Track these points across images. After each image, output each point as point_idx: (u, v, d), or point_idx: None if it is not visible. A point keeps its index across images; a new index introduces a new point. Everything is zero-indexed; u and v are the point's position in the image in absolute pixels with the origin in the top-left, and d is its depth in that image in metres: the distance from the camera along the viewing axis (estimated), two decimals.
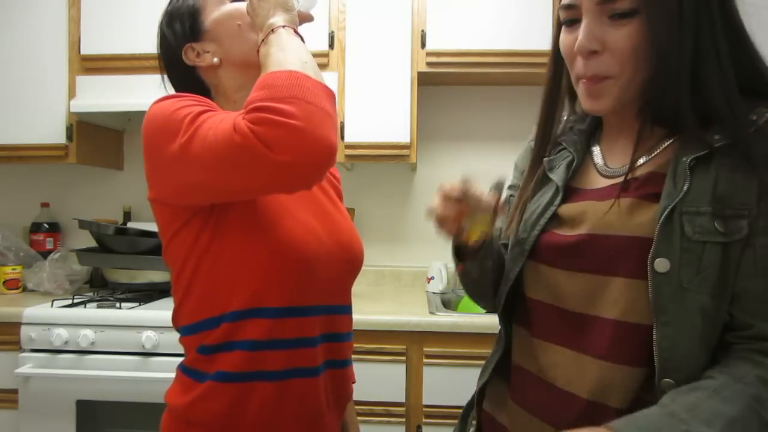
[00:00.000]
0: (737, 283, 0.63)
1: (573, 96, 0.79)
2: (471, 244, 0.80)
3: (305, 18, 0.84)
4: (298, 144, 0.63)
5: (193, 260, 0.77)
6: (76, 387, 1.69)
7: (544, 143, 0.81)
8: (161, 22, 0.89)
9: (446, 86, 2.33)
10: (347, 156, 2.02)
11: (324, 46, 2.00)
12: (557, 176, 0.78)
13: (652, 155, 0.70)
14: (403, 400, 1.70)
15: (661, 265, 0.64)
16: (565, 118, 0.83)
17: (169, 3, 0.89)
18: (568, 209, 0.75)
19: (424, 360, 1.70)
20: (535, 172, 0.81)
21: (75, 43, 2.06)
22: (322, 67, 2.01)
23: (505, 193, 0.82)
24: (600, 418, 0.64)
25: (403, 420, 1.71)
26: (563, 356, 0.72)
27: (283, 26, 0.75)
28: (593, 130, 0.81)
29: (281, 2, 0.77)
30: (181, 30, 0.86)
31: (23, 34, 2.07)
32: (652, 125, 0.70)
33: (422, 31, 2.00)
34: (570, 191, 0.76)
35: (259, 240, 0.75)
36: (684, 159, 0.65)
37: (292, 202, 0.81)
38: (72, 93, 2.06)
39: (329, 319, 0.84)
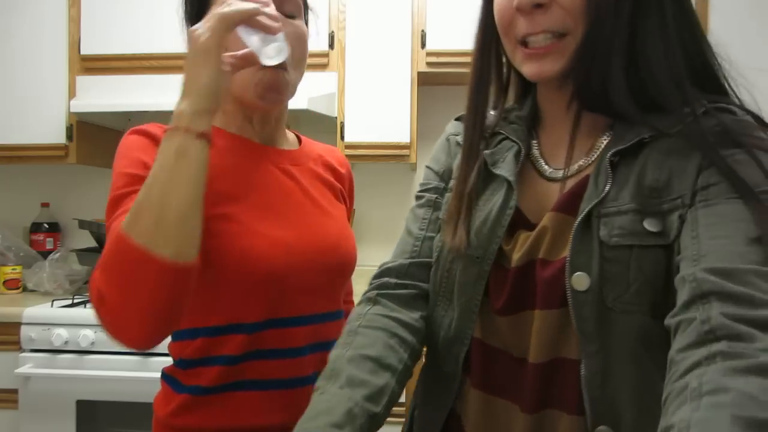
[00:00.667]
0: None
1: (501, 86, 0.68)
2: None
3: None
4: (108, 332, 0.62)
5: None
6: (76, 387, 1.69)
7: (476, 133, 0.66)
8: None
9: (446, 86, 2.33)
10: (347, 156, 2.02)
11: (324, 46, 2.00)
12: (505, 170, 0.62)
13: (593, 157, 0.58)
14: (403, 400, 1.70)
15: (579, 281, 0.52)
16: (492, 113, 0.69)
17: None
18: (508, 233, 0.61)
19: (424, 360, 1.69)
20: (471, 170, 0.65)
21: (75, 43, 2.06)
22: (322, 67, 2.01)
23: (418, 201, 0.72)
24: None
25: (403, 420, 1.71)
26: (505, 412, 0.59)
27: (186, 129, 0.61)
28: (532, 119, 0.67)
29: (204, 80, 0.63)
30: (189, 10, 0.82)
31: (23, 34, 2.07)
32: (591, 115, 0.59)
33: (422, 31, 2.00)
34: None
35: (222, 261, 0.71)
36: (607, 155, 0.54)
37: (261, 214, 0.75)
38: (72, 93, 2.06)
39: (316, 328, 0.79)
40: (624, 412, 0.50)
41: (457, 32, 1.99)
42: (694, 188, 0.50)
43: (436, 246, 0.68)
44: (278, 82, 0.75)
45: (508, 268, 0.58)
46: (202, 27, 0.62)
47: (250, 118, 0.81)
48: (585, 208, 0.53)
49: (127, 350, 1.69)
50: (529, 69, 0.57)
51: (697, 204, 0.49)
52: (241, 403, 0.74)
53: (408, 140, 1.99)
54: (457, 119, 0.77)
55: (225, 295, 0.73)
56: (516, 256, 0.58)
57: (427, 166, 0.77)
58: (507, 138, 0.66)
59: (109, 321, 0.61)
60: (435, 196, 0.72)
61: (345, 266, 0.84)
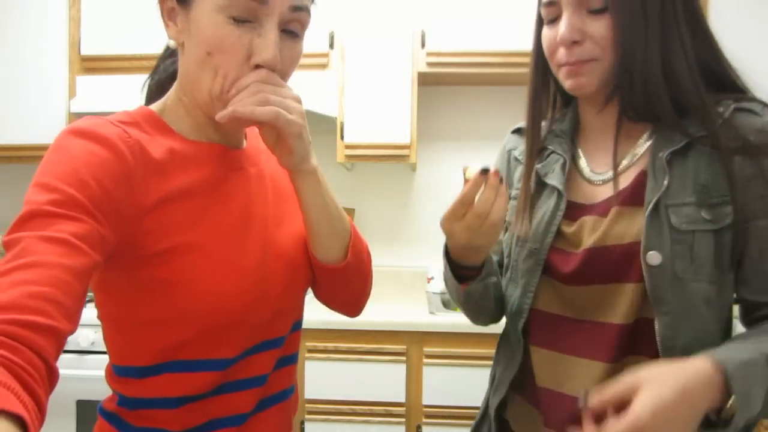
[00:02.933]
0: (744, 268, 0.68)
1: (554, 97, 0.85)
2: (478, 261, 0.80)
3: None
4: None
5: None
6: (76, 387, 1.70)
7: (534, 148, 0.82)
8: None
9: (446, 86, 2.33)
10: (347, 156, 2.02)
11: (324, 46, 2.01)
12: (555, 180, 0.78)
13: (636, 157, 0.73)
14: (403, 400, 1.70)
15: (654, 258, 0.67)
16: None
17: None
18: (567, 226, 0.76)
19: (424, 360, 1.70)
20: (529, 180, 0.82)
21: (75, 43, 2.06)
22: (322, 67, 2.01)
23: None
24: None
25: (403, 420, 1.71)
26: (579, 367, 0.73)
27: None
28: (573, 130, 0.83)
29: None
30: None
31: (24, 34, 2.07)
32: (631, 121, 0.73)
33: (422, 31, 2.00)
34: (567, 204, 0.77)
35: (189, 299, 0.61)
36: (660, 154, 0.69)
37: (225, 239, 0.65)
38: (72, 93, 2.07)
39: (283, 349, 0.72)
40: (689, 355, 0.62)
41: (457, 32, 1.99)
42: (744, 194, 0.67)
43: (506, 242, 0.87)
44: None
45: (572, 252, 0.75)
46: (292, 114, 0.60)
47: (210, 123, 0.67)
48: (651, 198, 0.68)
49: None
50: (569, 84, 0.74)
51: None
52: None
53: (408, 140, 1.99)
54: (514, 132, 0.91)
55: (192, 331, 0.63)
56: (587, 240, 0.73)
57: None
58: (554, 152, 0.81)
59: None
60: None
61: (304, 279, 0.75)
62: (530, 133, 0.83)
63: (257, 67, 0.61)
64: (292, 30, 0.63)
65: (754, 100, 0.70)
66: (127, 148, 0.58)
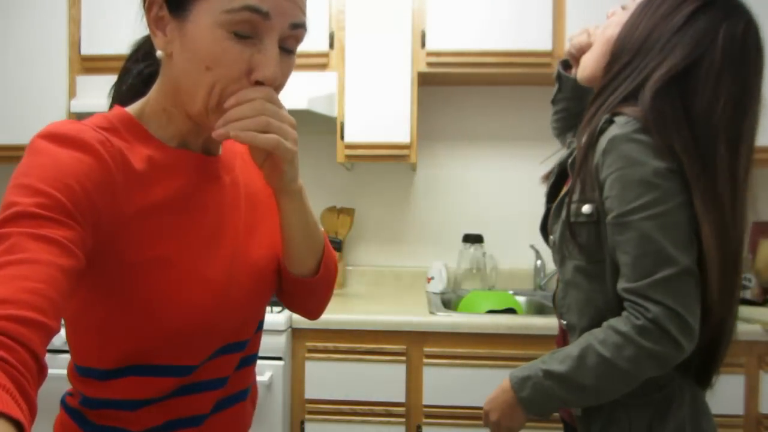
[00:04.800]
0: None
1: None
2: None
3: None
4: None
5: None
6: None
7: None
8: None
9: (446, 86, 2.33)
10: (347, 156, 2.02)
11: (324, 46, 2.00)
12: None
13: None
14: (403, 400, 1.70)
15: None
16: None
17: None
18: None
19: (424, 360, 1.70)
20: None
21: (75, 43, 2.06)
22: (322, 67, 2.01)
23: None
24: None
25: (403, 420, 1.71)
26: None
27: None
28: None
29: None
30: None
31: (24, 34, 2.07)
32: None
33: (422, 31, 2.00)
34: None
35: (160, 311, 0.62)
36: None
37: (196, 252, 0.65)
38: (72, 93, 2.07)
39: (246, 351, 0.74)
40: (573, 313, 0.96)
41: (457, 32, 1.99)
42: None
43: None
44: None
45: None
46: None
47: (194, 130, 0.68)
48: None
49: None
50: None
51: None
52: None
53: (408, 140, 1.99)
54: None
55: (156, 340, 0.63)
56: None
57: None
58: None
59: None
60: None
61: (268, 286, 0.76)
62: None
63: (257, 83, 0.61)
64: (288, 47, 0.64)
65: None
66: (110, 157, 0.58)
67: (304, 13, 0.63)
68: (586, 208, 0.89)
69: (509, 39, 1.98)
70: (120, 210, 0.59)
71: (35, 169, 0.55)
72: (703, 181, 0.81)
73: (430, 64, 2.01)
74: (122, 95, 0.74)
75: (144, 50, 0.74)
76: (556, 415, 1.13)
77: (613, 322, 0.85)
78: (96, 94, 2.03)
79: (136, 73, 0.73)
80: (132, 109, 0.67)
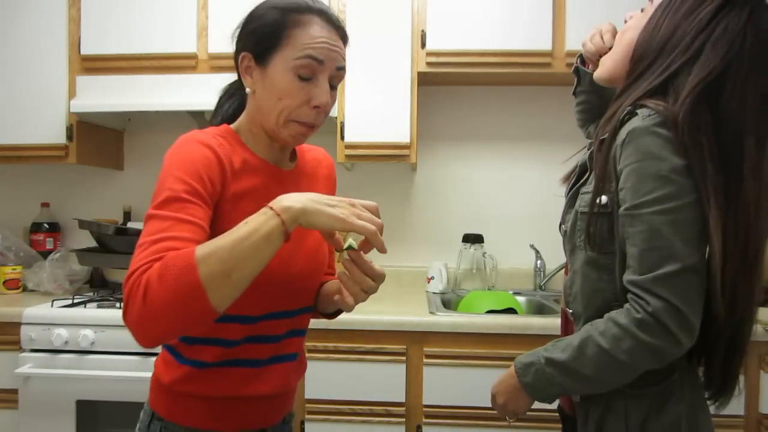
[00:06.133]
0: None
1: None
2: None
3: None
4: (127, 319, 0.69)
5: None
6: (76, 387, 1.69)
7: None
8: (252, 12, 0.90)
9: (446, 86, 2.33)
10: (347, 156, 2.02)
11: None
12: None
13: None
14: (403, 400, 1.70)
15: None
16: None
17: (271, 5, 0.88)
18: None
19: (424, 360, 1.70)
20: None
21: (75, 43, 2.06)
22: None
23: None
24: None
25: (403, 420, 1.71)
26: None
27: (282, 222, 0.72)
28: None
29: (319, 202, 0.75)
30: (251, 39, 0.88)
31: (23, 34, 2.07)
32: None
33: (422, 31, 2.00)
34: None
35: None
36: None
37: None
38: (72, 93, 2.06)
39: (294, 320, 0.97)
40: (580, 301, 0.96)
41: (457, 32, 1.99)
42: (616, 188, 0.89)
43: None
44: (309, 132, 0.92)
45: None
46: (345, 211, 0.77)
47: (271, 145, 0.94)
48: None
49: (128, 350, 1.69)
50: None
51: None
52: (236, 377, 0.90)
53: (408, 140, 1.99)
54: None
55: None
56: None
57: None
58: None
59: (137, 314, 0.67)
60: None
61: (320, 268, 1.01)
62: None
63: (315, 107, 0.88)
64: (333, 84, 0.91)
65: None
66: (224, 155, 0.85)
67: (344, 59, 0.91)
68: (602, 199, 0.88)
69: (509, 39, 1.98)
70: (225, 191, 0.85)
71: (181, 163, 0.81)
72: (722, 181, 0.81)
73: (430, 64, 2.01)
74: (217, 121, 1.01)
75: (230, 92, 1.03)
76: (555, 414, 1.13)
77: (614, 314, 0.86)
78: (96, 94, 2.03)
79: (225, 111, 1.02)
80: (234, 127, 0.95)
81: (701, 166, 0.80)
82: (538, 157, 2.33)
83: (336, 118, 2.03)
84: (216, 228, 0.81)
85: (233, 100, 1.02)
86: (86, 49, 2.05)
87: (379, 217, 0.80)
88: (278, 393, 0.96)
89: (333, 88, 0.91)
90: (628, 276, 0.84)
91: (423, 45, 2.00)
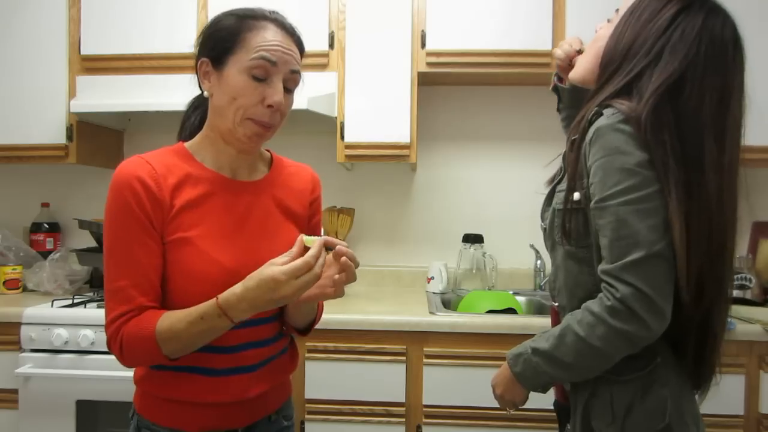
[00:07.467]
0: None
1: None
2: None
3: None
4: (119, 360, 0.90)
5: None
6: (76, 387, 1.69)
7: None
8: (212, 20, 0.98)
9: (446, 86, 2.33)
10: (347, 156, 2.02)
11: (324, 46, 2.00)
12: None
13: None
14: (403, 400, 1.70)
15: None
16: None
17: (229, 13, 0.95)
18: None
19: (424, 360, 1.70)
20: None
21: (75, 43, 2.06)
22: (322, 67, 2.01)
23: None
24: None
25: (403, 420, 1.71)
26: None
27: (231, 320, 0.85)
28: None
29: (267, 307, 0.85)
30: (209, 45, 0.94)
31: (23, 34, 2.07)
32: None
33: (422, 31, 2.00)
34: None
35: (181, 278, 0.91)
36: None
37: (213, 241, 0.93)
38: (72, 93, 2.07)
39: (251, 331, 0.97)
40: (563, 296, 1.02)
41: (457, 32, 1.99)
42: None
43: None
44: (267, 135, 0.95)
45: None
46: (289, 288, 0.82)
47: (226, 151, 0.97)
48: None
49: None
50: None
51: None
52: (192, 383, 0.94)
53: (408, 140, 1.99)
54: None
55: (179, 303, 0.90)
56: None
57: None
58: None
59: (118, 357, 0.89)
60: None
61: None
62: None
63: (269, 106, 0.91)
64: (288, 87, 0.95)
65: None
66: (154, 178, 0.90)
67: (299, 64, 0.95)
68: (575, 195, 0.94)
69: (509, 39, 1.98)
70: (168, 207, 0.90)
71: (114, 212, 0.89)
72: (684, 175, 0.86)
73: (430, 64, 2.01)
74: (186, 133, 1.05)
75: (195, 104, 1.06)
76: (554, 414, 1.14)
77: (590, 303, 0.90)
78: (95, 94, 2.03)
79: (190, 124, 1.05)
80: (188, 143, 0.99)
81: (664, 161, 0.85)
82: (538, 157, 2.32)
83: (336, 118, 2.03)
84: (172, 237, 0.91)
85: (198, 112, 1.05)
86: (86, 49, 2.05)
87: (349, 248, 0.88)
88: (236, 402, 0.96)
89: (289, 91, 0.95)
90: (601, 266, 0.89)
91: (423, 45, 2.00)
